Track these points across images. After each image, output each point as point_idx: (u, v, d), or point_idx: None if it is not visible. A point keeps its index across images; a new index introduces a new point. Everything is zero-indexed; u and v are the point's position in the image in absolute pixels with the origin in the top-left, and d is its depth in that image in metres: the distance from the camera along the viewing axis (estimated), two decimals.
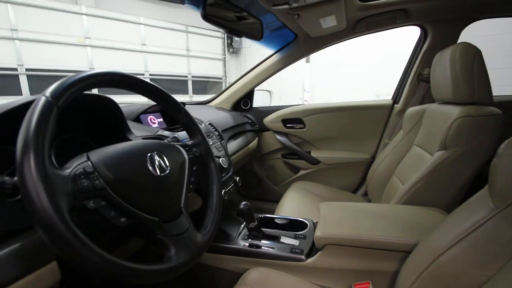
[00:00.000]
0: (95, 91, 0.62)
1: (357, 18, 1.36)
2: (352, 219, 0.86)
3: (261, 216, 1.00)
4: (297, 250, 0.82)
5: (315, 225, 0.94)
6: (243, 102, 1.79)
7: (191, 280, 0.92)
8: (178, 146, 0.63)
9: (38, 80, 4.40)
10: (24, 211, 0.36)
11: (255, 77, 1.69)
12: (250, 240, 0.88)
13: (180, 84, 6.44)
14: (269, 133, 1.80)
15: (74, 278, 0.59)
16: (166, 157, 0.56)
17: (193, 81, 6.64)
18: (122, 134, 0.69)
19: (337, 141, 1.72)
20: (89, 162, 0.44)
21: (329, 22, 1.24)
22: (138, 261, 0.43)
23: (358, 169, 1.69)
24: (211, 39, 6.81)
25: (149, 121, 1.02)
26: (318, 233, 0.78)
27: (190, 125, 0.69)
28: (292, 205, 1.28)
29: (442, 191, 0.97)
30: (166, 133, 0.87)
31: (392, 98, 1.66)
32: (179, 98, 0.67)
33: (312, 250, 0.82)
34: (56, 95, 0.41)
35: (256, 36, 1.35)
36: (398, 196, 1.02)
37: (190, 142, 0.69)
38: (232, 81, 1.80)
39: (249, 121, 1.73)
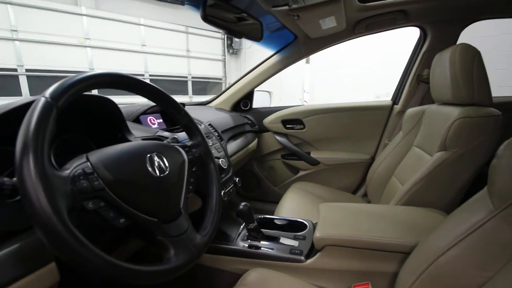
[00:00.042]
0: (94, 92, 0.62)
1: (357, 19, 1.36)
2: (351, 220, 0.86)
3: (261, 217, 1.00)
4: (296, 251, 0.82)
5: (314, 226, 0.93)
6: (243, 103, 1.79)
7: (190, 281, 0.91)
8: (178, 147, 0.63)
9: (38, 80, 4.41)
10: (23, 212, 0.36)
11: (255, 78, 1.69)
12: (249, 241, 0.88)
13: (180, 84, 6.44)
14: (268, 133, 1.81)
15: (73, 279, 0.58)
16: (165, 158, 0.56)
17: (193, 81, 6.65)
18: (122, 134, 0.69)
19: (336, 142, 1.72)
20: (88, 163, 0.44)
21: (329, 23, 1.24)
22: (137, 262, 0.43)
23: (358, 170, 1.69)
24: (211, 40, 6.82)
25: (149, 122, 1.02)
26: (317, 234, 0.78)
27: (189, 126, 0.69)
28: (291, 206, 1.28)
29: (442, 192, 0.97)
30: (166, 134, 0.87)
31: (391, 99, 1.66)
32: (179, 98, 0.67)
33: (312, 251, 0.82)
34: (55, 96, 0.41)
35: (256, 37, 1.35)
36: (398, 197, 1.02)
37: (189, 143, 0.69)
38: (232, 81, 1.80)
39: (249, 121, 1.73)
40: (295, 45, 1.58)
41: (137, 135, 0.73)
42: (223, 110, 1.67)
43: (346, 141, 1.71)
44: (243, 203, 0.85)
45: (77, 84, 0.45)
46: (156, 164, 0.53)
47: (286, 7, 1.04)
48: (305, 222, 0.95)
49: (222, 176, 0.99)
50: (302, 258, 0.80)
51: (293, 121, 1.73)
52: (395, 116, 1.58)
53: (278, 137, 1.77)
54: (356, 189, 1.72)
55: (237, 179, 1.10)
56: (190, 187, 0.62)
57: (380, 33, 1.50)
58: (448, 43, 1.14)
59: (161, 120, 1.08)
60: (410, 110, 1.27)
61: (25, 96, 4.32)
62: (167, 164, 0.55)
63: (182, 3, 6.00)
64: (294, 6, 1.03)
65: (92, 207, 0.42)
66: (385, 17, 1.34)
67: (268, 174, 1.89)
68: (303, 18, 1.15)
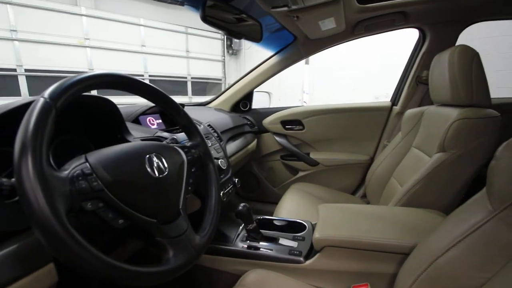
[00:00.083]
0: (94, 92, 0.62)
1: (356, 20, 1.36)
2: (351, 221, 0.86)
3: (260, 218, 1.00)
4: (295, 252, 0.82)
5: (313, 226, 0.93)
6: (242, 104, 1.79)
7: (189, 282, 0.91)
8: (177, 148, 0.63)
9: (37, 80, 4.40)
10: (21, 212, 0.35)
11: (254, 79, 1.69)
12: (248, 241, 0.88)
13: (179, 85, 6.44)
14: (268, 134, 1.81)
15: (72, 280, 0.58)
16: (164, 159, 0.56)
17: (192, 82, 6.65)
18: (121, 135, 0.69)
19: (336, 142, 1.73)
20: (87, 164, 0.44)
21: (328, 24, 1.25)
22: (136, 263, 0.43)
23: (357, 170, 1.69)
24: (210, 41, 6.83)
25: (148, 123, 1.02)
26: (316, 234, 0.78)
27: (189, 126, 0.69)
28: (291, 206, 1.28)
29: (441, 193, 0.97)
30: (165, 134, 0.87)
31: (391, 100, 1.66)
32: (178, 99, 0.67)
33: (311, 252, 0.82)
34: (54, 96, 0.41)
35: (256, 38, 1.35)
36: (397, 198, 1.02)
37: (189, 144, 0.69)
38: (232, 82, 1.80)
39: (248, 122, 1.73)
40: (295, 46, 1.58)
41: (136, 136, 0.73)
42: (222, 111, 1.67)
43: (346, 142, 1.71)
44: (242, 204, 0.85)
45: (76, 84, 0.45)
46: (155, 164, 0.53)
47: (285, 8, 1.04)
48: (304, 223, 0.95)
49: (221, 176, 0.99)
50: (301, 259, 0.80)
51: (292, 122, 1.73)
52: (394, 117, 1.58)
53: (277, 138, 1.77)
54: (355, 190, 1.72)
55: (237, 179, 1.10)
56: (189, 187, 0.62)
57: (379, 35, 1.50)
58: (447, 44, 1.15)
59: (160, 121, 1.08)
60: (409, 111, 1.27)
61: (24, 96, 4.32)
62: (166, 165, 0.55)
63: (182, 4, 6.02)
64: (293, 7, 1.03)
65: (90, 208, 0.42)
66: (384, 19, 1.35)
67: (267, 174, 1.89)
68: (303, 19, 1.15)
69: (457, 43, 1.37)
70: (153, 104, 0.64)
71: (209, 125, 1.20)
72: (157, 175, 0.52)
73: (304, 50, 1.58)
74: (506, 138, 0.55)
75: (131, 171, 0.49)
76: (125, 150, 0.51)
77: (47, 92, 0.41)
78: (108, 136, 0.68)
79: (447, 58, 0.95)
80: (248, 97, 1.78)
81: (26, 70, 4.33)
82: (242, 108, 1.80)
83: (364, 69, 5.49)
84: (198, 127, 0.73)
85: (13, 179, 0.37)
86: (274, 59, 1.64)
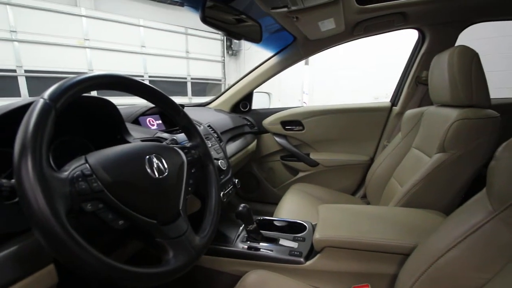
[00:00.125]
0: (94, 93, 0.62)
1: (356, 21, 1.36)
2: (351, 222, 0.86)
3: (260, 219, 1.00)
4: (296, 253, 0.82)
5: (314, 227, 0.93)
6: (242, 104, 1.79)
7: (189, 283, 0.91)
8: (177, 149, 0.63)
9: (37, 81, 4.40)
10: (21, 213, 0.35)
11: (254, 79, 1.69)
12: (249, 242, 0.88)
13: (179, 86, 6.45)
14: (268, 135, 1.81)
15: (72, 281, 0.58)
16: (164, 160, 0.55)
17: (192, 83, 6.65)
18: (121, 136, 0.69)
19: (336, 143, 1.73)
20: (87, 165, 0.44)
21: (328, 25, 1.25)
22: (136, 264, 0.43)
23: (357, 171, 1.69)
24: (210, 41, 6.83)
25: (148, 123, 1.02)
26: (317, 235, 0.78)
27: (188, 127, 0.69)
28: (291, 207, 1.28)
29: (441, 194, 0.97)
30: (165, 135, 0.87)
31: (390, 101, 1.66)
32: (178, 100, 0.67)
33: (311, 253, 0.82)
34: (54, 97, 0.41)
35: (255, 38, 1.35)
36: (397, 198, 1.02)
37: (188, 144, 0.69)
38: (231, 83, 1.80)
39: (248, 123, 1.73)
40: (294, 47, 1.58)
41: (136, 137, 0.73)
42: (222, 112, 1.67)
43: (345, 142, 1.71)
44: (242, 205, 0.85)
45: (76, 85, 0.45)
46: (155, 165, 0.53)
47: (285, 9, 1.05)
48: (305, 224, 0.95)
49: (221, 177, 0.99)
50: (302, 259, 0.80)
51: (292, 123, 1.73)
52: (394, 117, 1.58)
53: (277, 139, 1.77)
54: (356, 190, 1.72)
55: (236, 180, 1.10)
56: (189, 188, 0.62)
57: (378, 35, 1.50)
58: (446, 45, 1.15)
59: (160, 122, 1.08)
60: (409, 112, 1.27)
61: (24, 97, 4.32)
62: (166, 166, 0.55)
63: (181, 4, 6.03)
64: (293, 8, 1.03)
65: (90, 209, 0.42)
66: (384, 19, 1.35)
67: (267, 175, 1.89)
68: (302, 20, 1.15)
69: (456, 43, 1.37)
70: (153, 105, 0.64)
71: (209, 126, 1.20)
72: (157, 176, 0.52)
73: (304, 51, 1.58)
74: (506, 139, 0.55)
75: (131, 172, 0.49)
76: (125, 151, 0.51)
77: (47, 93, 0.41)
78: (108, 137, 0.68)
79: (446, 58, 0.96)
80: (248, 97, 1.78)
81: (25, 71, 4.33)
82: (242, 109, 1.80)
83: (364, 70, 5.50)
84: (198, 127, 0.73)
85: (13, 180, 0.37)
86: (274, 60, 1.64)
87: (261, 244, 0.87)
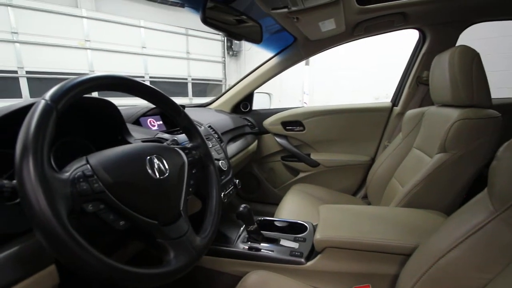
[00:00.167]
0: (95, 94, 0.62)
1: (356, 21, 1.36)
2: (352, 222, 0.86)
3: (261, 219, 0.99)
4: (296, 253, 0.82)
5: (314, 227, 0.93)
6: (243, 105, 1.79)
7: (190, 284, 0.91)
8: (178, 149, 0.63)
9: (38, 82, 4.41)
10: (22, 214, 0.35)
11: (254, 80, 1.69)
12: (249, 243, 0.88)
13: (180, 86, 6.45)
14: (268, 135, 1.81)
15: (73, 282, 0.58)
16: (165, 160, 0.56)
17: (193, 83, 6.66)
18: (122, 137, 0.70)
19: (336, 143, 1.72)
20: (88, 165, 0.44)
21: (328, 26, 1.25)
22: (137, 265, 0.43)
23: (358, 171, 1.69)
24: (211, 42, 6.84)
25: (149, 124, 1.02)
26: (317, 236, 0.78)
27: (189, 128, 0.69)
28: (291, 207, 1.28)
29: (442, 194, 0.97)
30: (166, 136, 0.87)
31: (391, 101, 1.66)
32: (179, 100, 0.67)
33: (312, 253, 0.82)
34: (55, 98, 0.41)
35: (256, 39, 1.35)
36: (398, 198, 1.02)
37: (189, 145, 0.69)
38: (232, 83, 1.80)
39: (249, 123, 1.73)
40: (295, 47, 1.58)
41: (137, 137, 0.73)
42: (223, 112, 1.68)
43: (346, 142, 1.71)
44: (243, 205, 0.85)
45: (77, 86, 0.45)
46: (156, 166, 0.53)
47: (285, 10, 1.05)
48: (305, 224, 0.95)
49: (222, 178, 0.99)
50: (302, 260, 0.80)
51: (293, 123, 1.73)
52: (394, 117, 1.58)
53: (278, 139, 1.77)
54: (356, 190, 1.72)
55: (237, 181, 1.10)
56: (190, 189, 0.62)
57: (379, 36, 1.50)
58: (447, 45, 1.15)
59: (161, 122, 1.08)
60: (410, 112, 1.27)
61: (25, 98, 4.33)
62: (167, 166, 0.55)
63: (182, 6, 6.04)
64: (293, 8, 1.03)
65: (91, 209, 0.42)
66: (384, 20, 1.35)
67: (268, 175, 1.88)
68: (303, 20, 1.15)
69: (457, 43, 1.37)
70: (153, 106, 0.64)
71: (209, 126, 1.20)
72: (158, 176, 0.52)
73: (304, 51, 1.58)
74: (507, 139, 0.55)
75: (132, 173, 0.49)
76: (126, 152, 0.51)
77: (48, 94, 0.42)
78: (109, 137, 0.69)
79: (447, 58, 0.95)
80: (248, 98, 1.78)
81: (27, 72, 4.33)
82: (243, 109, 1.80)
83: (364, 70, 5.49)
84: (199, 128, 0.73)
85: (14, 181, 0.37)
86: (274, 61, 1.64)
87: (261, 244, 0.87)
